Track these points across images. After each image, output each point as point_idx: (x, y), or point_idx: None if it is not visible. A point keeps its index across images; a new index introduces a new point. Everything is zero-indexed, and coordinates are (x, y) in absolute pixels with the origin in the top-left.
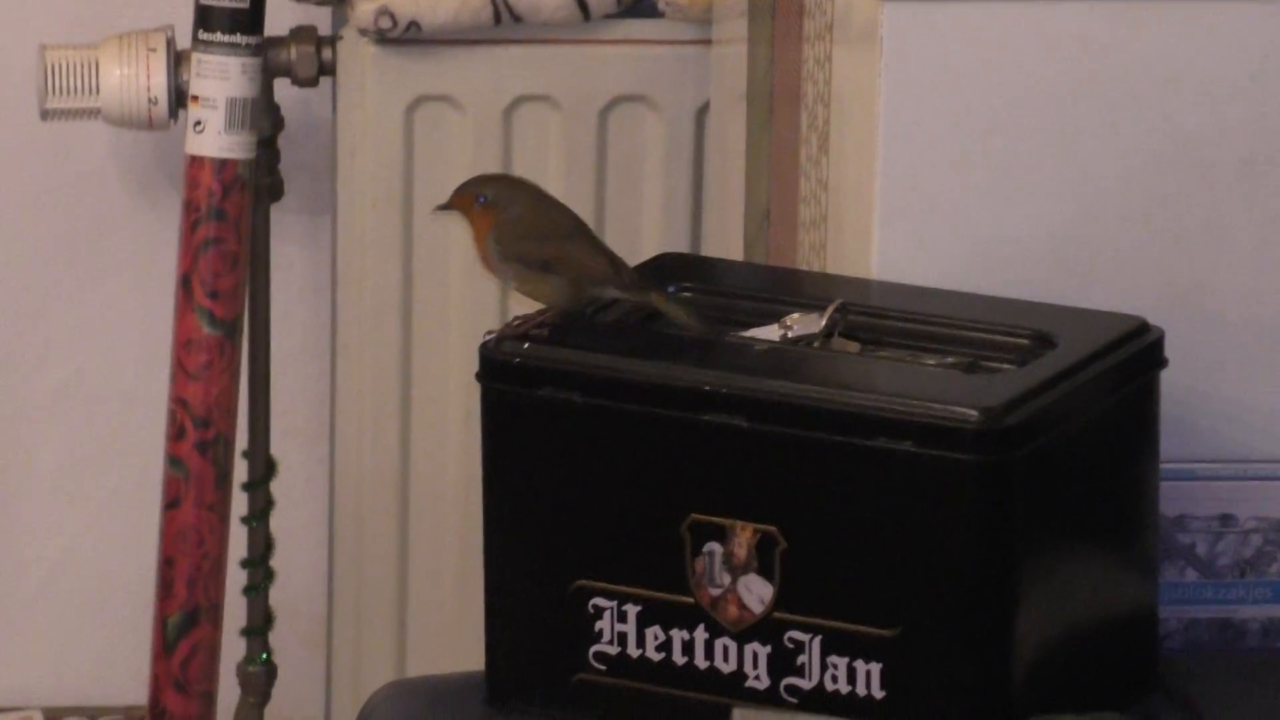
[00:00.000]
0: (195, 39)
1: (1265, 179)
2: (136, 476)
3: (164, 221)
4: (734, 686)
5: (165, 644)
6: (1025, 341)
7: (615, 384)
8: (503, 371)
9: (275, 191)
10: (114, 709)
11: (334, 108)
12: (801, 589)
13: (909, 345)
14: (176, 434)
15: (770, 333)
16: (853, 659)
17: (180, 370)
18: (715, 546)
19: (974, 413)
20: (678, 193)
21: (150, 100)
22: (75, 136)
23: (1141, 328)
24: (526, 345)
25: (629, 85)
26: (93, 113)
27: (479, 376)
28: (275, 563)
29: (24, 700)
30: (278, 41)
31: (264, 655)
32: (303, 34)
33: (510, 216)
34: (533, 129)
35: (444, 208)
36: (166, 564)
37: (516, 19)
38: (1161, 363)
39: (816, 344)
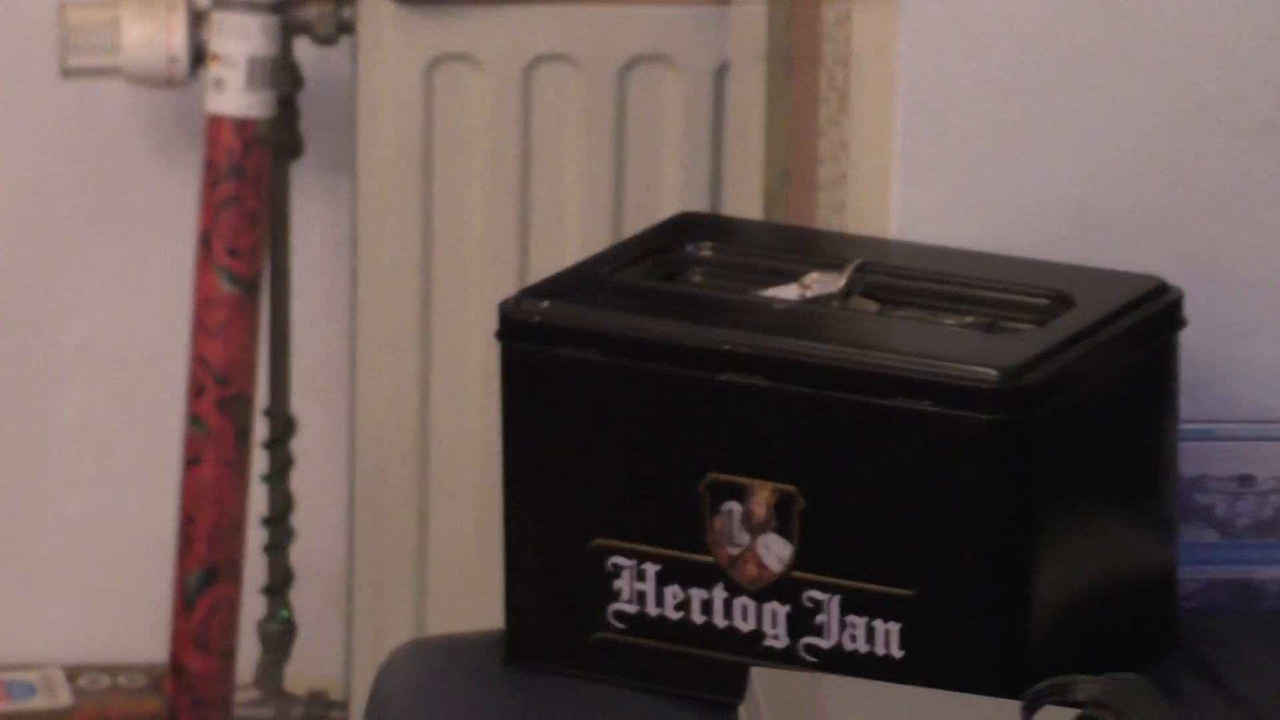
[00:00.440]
0: None
1: None
2: (157, 434)
3: (184, 180)
4: (752, 645)
5: (185, 601)
6: (1044, 301)
7: (635, 343)
8: (522, 330)
9: (295, 149)
10: (134, 666)
11: (354, 66)
12: (820, 548)
13: (928, 305)
14: (197, 392)
15: (789, 292)
16: (871, 618)
17: (200, 328)
18: (734, 505)
19: (993, 372)
20: (697, 152)
21: (170, 58)
22: (95, 95)
23: (1161, 288)
24: (546, 304)
25: (649, 44)
26: (113, 71)
27: (498, 335)
28: (295, 521)
29: (44, 658)
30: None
31: (284, 613)
32: None
33: None
34: (552, 88)
35: None
36: (187, 521)
37: None
38: (1181, 323)
39: (835, 303)
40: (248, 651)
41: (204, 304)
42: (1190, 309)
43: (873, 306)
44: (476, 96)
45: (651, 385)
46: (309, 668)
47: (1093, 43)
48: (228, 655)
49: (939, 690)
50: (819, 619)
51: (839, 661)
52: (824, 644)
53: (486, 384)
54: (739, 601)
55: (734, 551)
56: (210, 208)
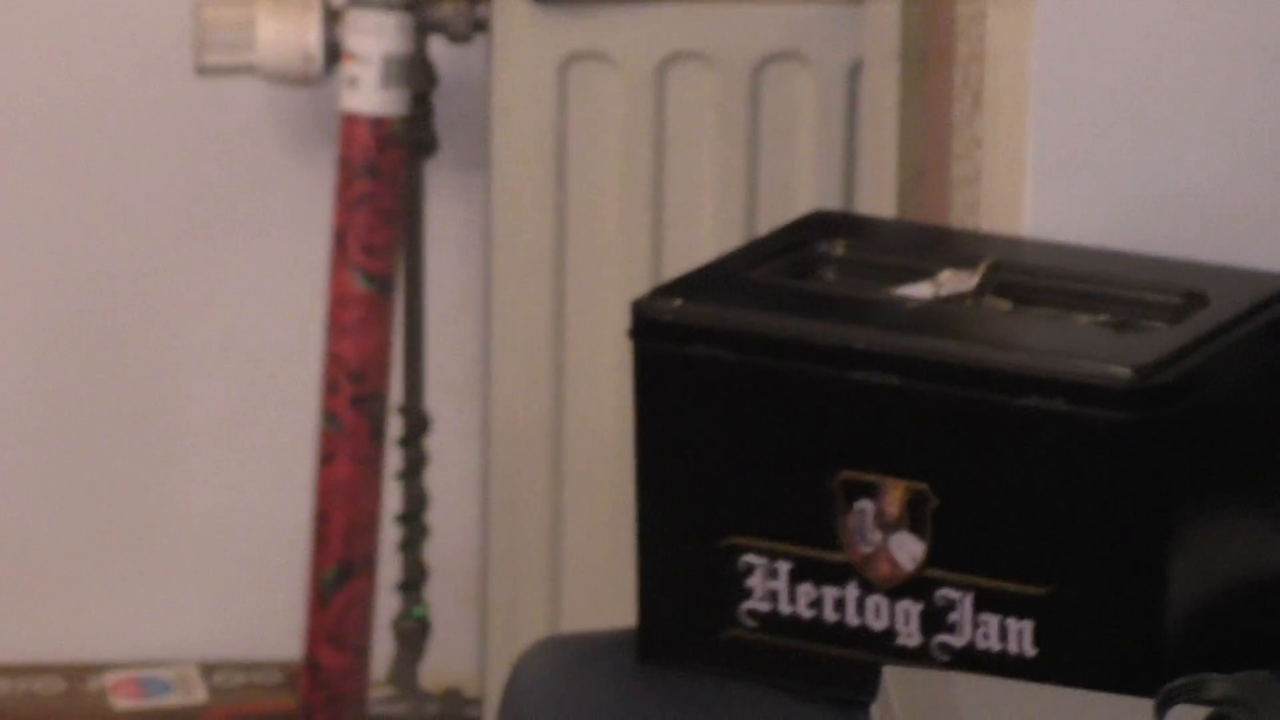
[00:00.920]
0: None
1: None
2: (291, 432)
3: (318, 177)
4: (885, 644)
5: (320, 598)
6: (1177, 300)
7: (766, 341)
8: (654, 328)
9: (429, 148)
10: (269, 663)
11: (488, 64)
12: (953, 546)
13: (1061, 303)
14: (331, 389)
15: (922, 290)
16: (1004, 617)
17: (334, 326)
18: (866, 504)
19: (1126, 371)
20: (830, 150)
21: (305, 56)
22: (230, 93)
23: None
24: (679, 302)
25: (782, 42)
26: (247, 69)
27: (631, 333)
28: (429, 518)
29: (180, 654)
30: None
31: (418, 611)
32: None
33: None
34: (686, 86)
35: None
36: (321, 518)
37: None
38: None
39: (968, 302)
40: (382, 649)
41: (338, 302)
42: None
43: (1005, 305)
44: (610, 95)
45: (784, 384)
46: (443, 665)
47: (1226, 40)
48: (362, 652)
49: (1071, 689)
50: (952, 617)
51: (972, 660)
52: (957, 642)
53: (619, 382)
54: (872, 600)
55: (866, 550)
56: (345, 206)
